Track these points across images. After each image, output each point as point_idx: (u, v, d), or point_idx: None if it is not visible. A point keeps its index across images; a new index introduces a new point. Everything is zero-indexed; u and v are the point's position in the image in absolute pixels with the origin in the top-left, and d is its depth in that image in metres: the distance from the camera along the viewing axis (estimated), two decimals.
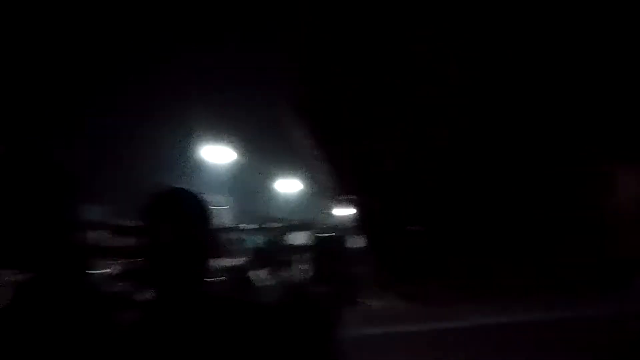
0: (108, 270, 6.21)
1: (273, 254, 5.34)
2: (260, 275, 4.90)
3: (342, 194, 12.83)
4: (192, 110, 30.79)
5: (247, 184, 34.28)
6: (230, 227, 13.22)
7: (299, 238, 9.92)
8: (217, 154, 29.87)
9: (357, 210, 12.45)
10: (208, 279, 1.54)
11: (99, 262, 6.37)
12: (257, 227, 13.72)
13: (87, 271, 1.52)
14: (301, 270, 5.40)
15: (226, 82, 29.29)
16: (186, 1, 26.67)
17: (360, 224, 11.78)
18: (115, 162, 26.86)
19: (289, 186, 33.41)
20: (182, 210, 1.53)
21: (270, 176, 33.82)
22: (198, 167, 31.74)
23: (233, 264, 6.70)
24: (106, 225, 11.14)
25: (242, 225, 18.64)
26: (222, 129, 29.43)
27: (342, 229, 11.60)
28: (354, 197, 12.25)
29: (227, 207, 34.43)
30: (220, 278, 4.23)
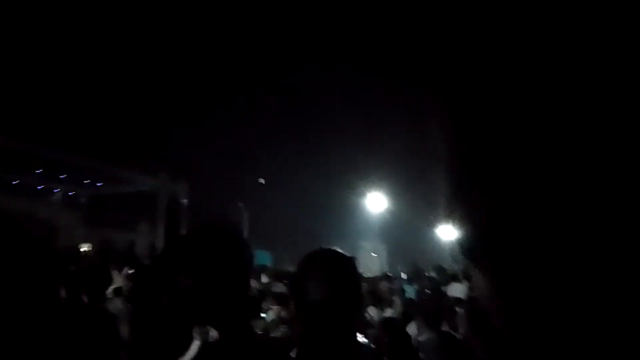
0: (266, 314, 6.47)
1: (432, 305, 5.03)
2: (418, 329, 4.62)
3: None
4: (351, 163, 32.48)
5: (404, 232, 34.34)
6: (387, 276, 13.00)
7: (459, 289, 9.30)
8: (374, 204, 30.68)
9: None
10: (360, 333, 1.48)
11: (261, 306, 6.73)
12: (415, 275, 13.27)
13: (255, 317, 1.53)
14: (461, 325, 4.99)
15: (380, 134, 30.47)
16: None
17: None
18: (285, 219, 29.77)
19: (448, 233, 32.47)
20: (332, 272, 1.55)
21: (428, 223, 33.37)
22: (356, 217, 32.99)
23: (389, 315, 6.48)
24: (270, 271, 11.95)
25: (400, 274, 18.24)
26: (377, 180, 30.32)
27: None
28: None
29: (384, 254, 34.74)
30: (375, 331, 4.09)
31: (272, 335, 5.13)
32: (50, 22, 24.72)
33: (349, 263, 1.64)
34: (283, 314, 6.44)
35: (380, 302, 10.07)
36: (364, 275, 18.97)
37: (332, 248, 1.71)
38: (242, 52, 32.82)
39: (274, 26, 31.56)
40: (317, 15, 30.86)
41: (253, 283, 10.65)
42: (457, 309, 5.52)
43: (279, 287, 9.43)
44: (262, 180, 31.23)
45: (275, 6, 30.43)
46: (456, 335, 4.86)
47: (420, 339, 4.34)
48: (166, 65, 30.28)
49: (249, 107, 34.09)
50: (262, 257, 29.01)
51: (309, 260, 1.65)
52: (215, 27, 31.02)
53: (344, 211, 33.44)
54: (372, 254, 38.62)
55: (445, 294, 9.50)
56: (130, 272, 10.72)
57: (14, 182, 22.39)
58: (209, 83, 32.78)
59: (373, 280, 12.12)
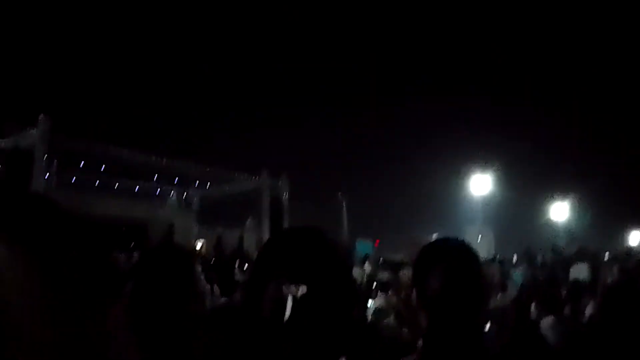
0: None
1: (549, 289, 4.67)
2: (538, 314, 4.30)
3: None
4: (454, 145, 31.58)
5: (511, 214, 32.70)
6: (497, 260, 12.38)
7: (581, 271, 8.56)
8: (479, 187, 29.63)
9: None
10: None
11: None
12: (527, 258, 12.51)
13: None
14: (587, 309, 4.57)
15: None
16: None
17: None
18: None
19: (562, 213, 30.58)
20: (457, 262, 1.59)
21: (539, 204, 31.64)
22: (460, 201, 31.97)
23: (502, 301, 6.18)
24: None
25: (511, 258, 17.35)
26: (481, 161, 29.20)
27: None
28: None
29: (491, 238, 33.31)
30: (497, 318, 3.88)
31: (382, 322, 5.11)
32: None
33: (472, 252, 1.62)
34: (390, 301, 6.40)
35: (492, 287, 9.64)
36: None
37: (453, 237, 1.74)
38: (341, 60, 33.18)
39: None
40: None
41: (357, 272, 10.73)
42: (580, 291, 5.09)
43: (384, 276, 9.40)
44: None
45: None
46: (581, 320, 4.48)
47: (542, 324, 4.04)
48: (264, 70, 31.52)
49: (350, 104, 34.33)
50: (364, 246, 29.15)
51: (433, 250, 1.68)
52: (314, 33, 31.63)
53: (448, 195, 32.46)
54: (479, 238, 37.40)
55: (563, 276, 8.84)
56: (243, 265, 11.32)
57: (136, 189, 24.75)
58: (311, 86, 33.47)
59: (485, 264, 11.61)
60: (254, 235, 25.42)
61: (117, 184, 23.28)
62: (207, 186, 26.68)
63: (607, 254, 13.07)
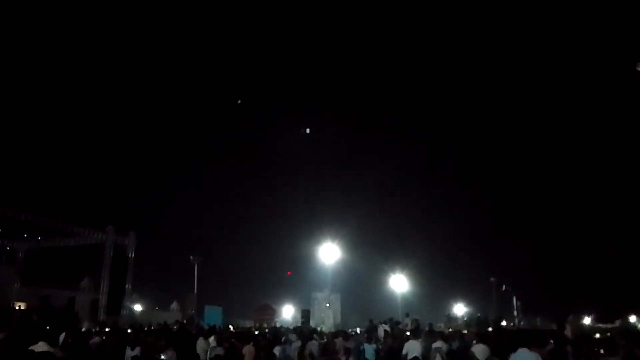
0: None
1: None
2: None
3: None
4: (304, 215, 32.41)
5: (357, 282, 34.32)
6: (344, 333, 12.61)
7: (415, 348, 9.16)
8: (328, 255, 30.46)
9: None
10: None
11: None
12: (372, 333, 12.99)
13: None
14: None
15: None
16: None
17: None
18: None
19: (400, 284, 32.76)
20: None
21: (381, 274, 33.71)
22: (310, 268, 32.57)
23: None
24: None
25: (356, 329, 17.94)
26: (331, 231, 30.45)
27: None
28: None
29: (337, 305, 34.21)
30: None
31: None
32: None
33: None
34: None
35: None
36: (319, 329, 18.60)
37: None
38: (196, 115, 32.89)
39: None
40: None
41: (201, 345, 10.10)
42: None
43: (219, 351, 8.95)
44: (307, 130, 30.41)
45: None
46: None
47: None
48: (116, 116, 29.84)
49: (205, 163, 33.87)
50: (213, 313, 28.06)
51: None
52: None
53: (298, 262, 33.17)
54: (326, 304, 38.46)
55: (400, 352, 9.39)
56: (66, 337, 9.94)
57: None
58: (162, 139, 32.41)
59: (329, 338, 11.79)
60: (89, 296, 22.84)
61: None
62: (38, 238, 23.51)
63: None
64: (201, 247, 31.10)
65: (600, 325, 28.81)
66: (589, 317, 31.47)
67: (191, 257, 28.61)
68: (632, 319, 29.12)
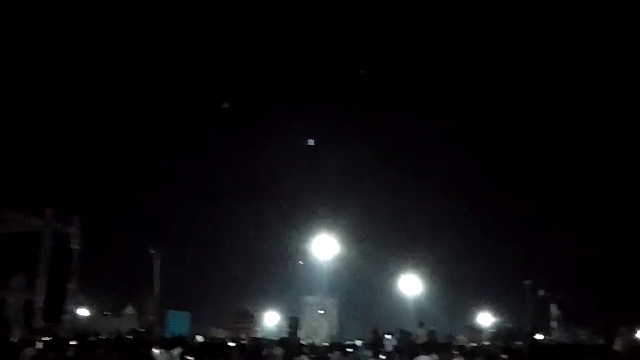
0: None
1: None
2: None
3: None
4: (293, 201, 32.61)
5: (358, 283, 34.41)
6: (340, 346, 12.70)
7: None
8: (322, 251, 30.53)
9: None
10: None
11: None
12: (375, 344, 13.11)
13: None
14: None
15: None
16: None
17: None
18: None
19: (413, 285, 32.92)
20: None
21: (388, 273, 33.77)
22: (300, 267, 32.70)
23: None
24: None
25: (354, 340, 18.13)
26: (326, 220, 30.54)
27: None
28: None
29: (333, 312, 34.47)
30: None
31: None
32: None
33: None
34: None
35: None
36: (309, 342, 18.71)
37: None
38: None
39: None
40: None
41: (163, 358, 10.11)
42: None
43: None
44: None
45: None
46: None
47: None
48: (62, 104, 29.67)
49: (170, 131, 33.61)
50: (178, 320, 28.16)
51: None
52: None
53: (286, 258, 32.77)
54: (319, 311, 38.26)
55: None
56: None
57: None
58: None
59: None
60: (21, 298, 22.83)
61: None
62: None
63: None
64: (164, 237, 30.85)
65: None
66: None
67: (151, 250, 28.58)
68: None
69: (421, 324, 19.08)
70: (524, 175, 37.27)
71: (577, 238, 32.62)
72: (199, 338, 19.36)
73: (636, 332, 30.76)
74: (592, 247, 32.46)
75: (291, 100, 34.96)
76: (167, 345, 11.13)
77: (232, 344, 16.12)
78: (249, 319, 33.65)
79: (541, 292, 33.74)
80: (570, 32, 31.71)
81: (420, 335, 16.78)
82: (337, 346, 12.96)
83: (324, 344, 17.14)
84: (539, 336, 31.41)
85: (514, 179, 37.34)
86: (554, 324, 34.41)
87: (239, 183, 35.83)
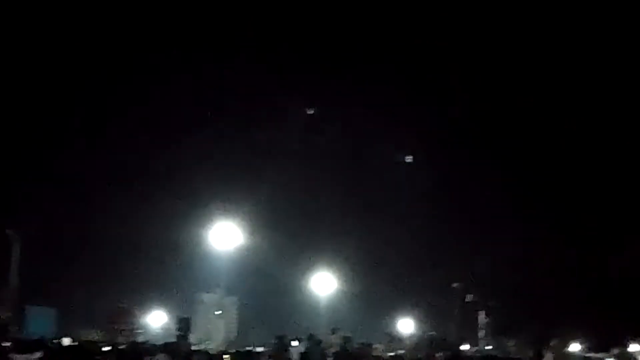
0: None
1: None
2: None
3: None
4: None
5: (263, 279, 34.35)
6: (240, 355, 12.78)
7: None
8: (222, 241, 30.43)
9: None
10: None
11: None
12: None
13: None
14: None
15: None
16: None
17: None
18: None
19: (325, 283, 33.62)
20: None
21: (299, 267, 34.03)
22: (195, 258, 32.51)
23: None
24: None
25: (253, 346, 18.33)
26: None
27: None
28: None
29: (233, 312, 34.35)
30: None
31: None
32: None
33: None
34: None
35: None
36: (201, 348, 18.52)
37: None
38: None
39: None
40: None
41: None
42: None
43: None
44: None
45: None
46: None
47: None
48: None
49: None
50: (39, 317, 27.26)
51: None
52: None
53: (176, 247, 31.80)
54: (216, 311, 37.53)
55: None
56: None
57: None
58: None
59: None
60: None
61: None
62: None
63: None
64: (23, 215, 29.51)
65: (591, 354, 31.05)
66: (578, 343, 33.49)
67: (7, 231, 27.51)
68: (634, 347, 30.80)
69: (334, 330, 19.44)
70: (457, 167, 38.07)
71: (514, 242, 34.23)
72: (66, 340, 18.84)
73: (569, 345, 32.64)
74: (529, 253, 34.10)
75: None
76: (24, 349, 10.85)
77: (107, 348, 15.84)
78: (129, 318, 32.96)
79: (470, 298, 34.73)
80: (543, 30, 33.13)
81: (333, 343, 17.09)
82: (235, 355, 12.98)
83: (220, 350, 17.13)
84: (465, 346, 33.05)
85: (445, 170, 38.18)
86: (481, 333, 35.55)
87: (116, 146, 34.56)
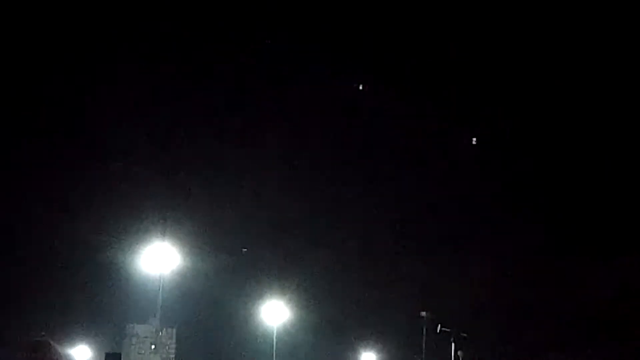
0: None
1: None
2: None
3: None
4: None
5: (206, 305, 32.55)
6: None
7: None
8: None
9: None
10: None
11: None
12: None
13: None
14: None
15: None
16: None
17: None
18: None
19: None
20: None
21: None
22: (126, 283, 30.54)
23: None
24: None
25: None
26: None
27: None
28: None
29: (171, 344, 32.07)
30: None
31: None
32: None
33: None
34: None
35: None
36: None
37: None
38: None
39: None
40: None
41: None
42: None
43: None
44: None
45: None
46: None
47: None
48: None
49: None
50: None
51: None
52: None
53: (104, 271, 30.48)
54: (151, 345, 35.72)
55: None
56: None
57: None
58: None
59: None
60: None
61: None
62: None
63: None
64: None
65: None
66: None
67: None
68: None
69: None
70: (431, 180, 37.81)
71: (492, 265, 33.88)
72: None
73: None
74: (508, 277, 33.90)
75: None
76: None
77: None
78: (48, 354, 29.85)
79: (440, 328, 33.58)
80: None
81: None
82: None
83: None
84: None
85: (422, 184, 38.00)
86: None
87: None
